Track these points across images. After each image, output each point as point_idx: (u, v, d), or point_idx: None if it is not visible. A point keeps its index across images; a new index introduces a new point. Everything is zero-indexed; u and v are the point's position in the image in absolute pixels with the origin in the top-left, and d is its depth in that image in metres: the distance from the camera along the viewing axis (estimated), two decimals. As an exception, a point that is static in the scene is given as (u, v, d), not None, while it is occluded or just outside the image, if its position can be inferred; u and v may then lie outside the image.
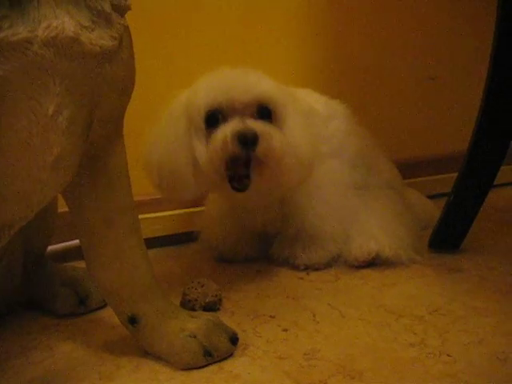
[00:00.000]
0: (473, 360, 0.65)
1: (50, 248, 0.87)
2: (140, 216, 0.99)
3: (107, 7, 0.53)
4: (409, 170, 1.23)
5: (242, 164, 0.78)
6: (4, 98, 0.47)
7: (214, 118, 0.78)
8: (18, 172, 0.53)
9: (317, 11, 1.16)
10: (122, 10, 0.56)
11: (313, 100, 0.96)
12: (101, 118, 0.58)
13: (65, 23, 0.48)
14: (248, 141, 0.75)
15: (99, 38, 0.51)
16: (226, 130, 0.76)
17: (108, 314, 0.77)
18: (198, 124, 0.79)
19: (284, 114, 0.80)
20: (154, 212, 1.04)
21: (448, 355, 0.66)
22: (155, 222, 1.03)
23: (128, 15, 0.57)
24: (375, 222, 0.94)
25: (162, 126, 0.82)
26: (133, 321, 0.67)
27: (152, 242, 1.02)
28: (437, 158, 1.30)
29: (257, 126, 0.77)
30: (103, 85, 0.55)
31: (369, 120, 1.17)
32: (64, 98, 0.51)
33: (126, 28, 0.57)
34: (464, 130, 0.98)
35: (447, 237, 0.97)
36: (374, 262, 0.91)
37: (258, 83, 0.80)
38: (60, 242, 0.93)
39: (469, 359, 0.65)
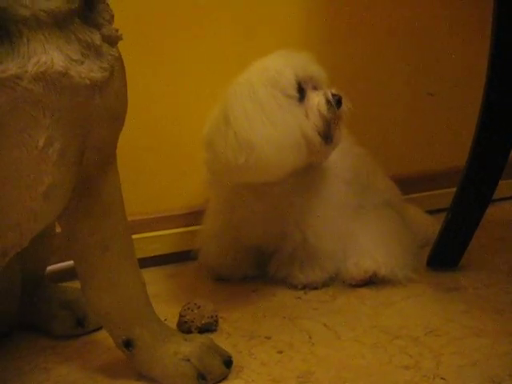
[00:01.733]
0: (467, 383, 0.65)
1: (48, 268, 0.87)
2: (139, 235, 1.03)
3: (97, 39, 0.54)
4: (408, 185, 1.23)
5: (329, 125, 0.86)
6: (-5, 131, 0.48)
7: (302, 90, 0.86)
8: (10, 202, 0.54)
9: (315, 28, 1.17)
10: (113, 41, 0.57)
11: None
12: (93, 145, 0.59)
13: (54, 58, 0.49)
14: (340, 101, 0.87)
15: (89, 71, 0.52)
16: (324, 96, 0.86)
17: (105, 336, 0.77)
18: (291, 95, 0.84)
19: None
20: (153, 231, 1.04)
21: (442, 378, 0.66)
22: (154, 240, 1.04)
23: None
24: (372, 241, 0.94)
25: (247, 109, 0.84)
26: (127, 345, 0.67)
27: (151, 261, 1.03)
28: (437, 173, 1.30)
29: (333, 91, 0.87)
30: (95, 115, 0.56)
31: (368, 135, 1.18)
32: (54, 130, 0.52)
33: (118, 58, 0.58)
34: (464, 145, 0.98)
35: (445, 255, 0.97)
36: (371, 281, 0.91)
37: (314, 63, 0.89)
38: (59, 262, 0.94)
39: (462, 382, 0.65)
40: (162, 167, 1.08)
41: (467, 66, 1.24)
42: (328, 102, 0.85)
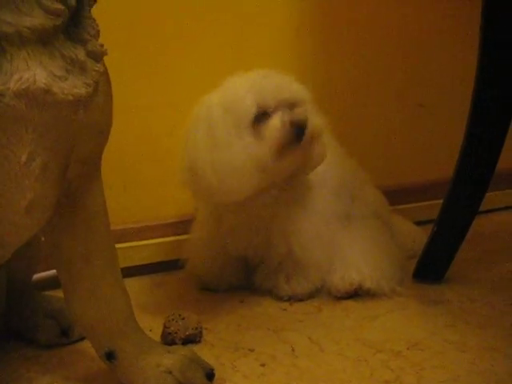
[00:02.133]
0: (446, 399, 0.66)
1: (34, 276, 0.88)
2: (127, 244, 1.04)
3: (81, 55, 0.54)
4: (398, 196, 1.24)
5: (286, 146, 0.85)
6: (-23, 147, 0.49)
7: (261, 116, 0.85)
8: (-7, 215, 0.54)
9: (305, 36, 1.17)
10: (97, 57, 0.57)
11: None
12: (77, 159, 0.59)
13: (36, 75, 0.49)
14: (301, 123, 0.85)
15: (72, 87, 0.52)
16: (280, 120, 0.85)
17: (89, 346, 0.76)
18: (248, 122, 0.84)
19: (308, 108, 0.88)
20: (141, 240, 1.05)
21: (422, 393, 0.67)
22: (142, 249, 1.04)
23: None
24: (358, 253, 0.94)
25: (199, 130, 0.86)
26: (110, 356, 0.67)
27: (139, 270, 1.04)
28: (426, 184, 1.30)
29: (300, 112, 0.86)
30: (78, 130, 0.56)
31: (357, 146, 1.19)
32: (37, 145, 0.52)
33: (103, 73, 0.58)
34: (454, 157, 0.98)
35: (431, 267, 0.97)
36: (357, 293, 0.92)
37: (290, 83, 0.88)
38: (45, 271, 0.94)
39: (443, 398, 0.66)
40: (152, 176, 1.08)
41: (458, 77, 1.25)
42: (284, 124, 0.84)
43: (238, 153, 0.83)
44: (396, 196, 1.24)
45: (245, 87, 0.86)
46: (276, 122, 0.84)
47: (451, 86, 1.28)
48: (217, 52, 1.10)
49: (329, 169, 0.97)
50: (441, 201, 0.99)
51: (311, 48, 1.19)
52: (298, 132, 0.85)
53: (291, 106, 0.87)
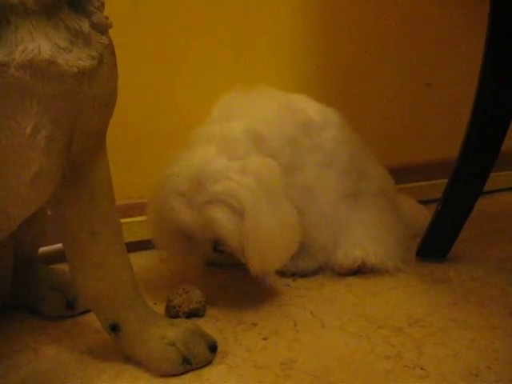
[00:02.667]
0: (446, 374, 0.66)
1: (40, 250, 0.89)
2: (132, 219, 1.04)
3: (86, 27, 0.54)
4: (403, 174, 1.24)
5: None
6: (-18, 118, 0.49)
7: None
8: (-1, 187, 0.54)
9: (313, 17, 1.16)
10: (102, 29, 0.57)
11: (308, 107, 0.96)
12: (82, 133, 0.60)
13: (41, 46, 0.49)
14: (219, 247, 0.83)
15: (77, 59, 0.52)
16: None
17: (94, 318, 0.77)
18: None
19: (249, 209, 0.80)
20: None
21: (422, 369, 0.68)
22: (147, 224, 1.05)
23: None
24: (363, 231, 0.94)
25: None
26: (114, 328, 0.68)
27: (143, 245, 1.04)
28: (433, 163, 1.30)
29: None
30: (83, 102, 0.56)
31: (364, 125, 1.18)
32: (42, 117, 0.52)
33: (107, 45, 0.58)
34: (460, 136, 0.98)
35: (434, 246, 0.98)
36: (360, 270, 0.92)
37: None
38: (50, 244, 0.95)
39: (442, 373, 0.67)
40: (159, 151, 1.08)
41: (465, 56, 1.24)
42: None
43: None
44: (402, 175, 1.24)
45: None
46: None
47: (458, 65, 1.26)
48: (221, 38, 1.10)
49: (337, 148, 0.96)
50: (446, 180, 0.98)
51: (318, 27, 1.18)
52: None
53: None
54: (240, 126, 0.86)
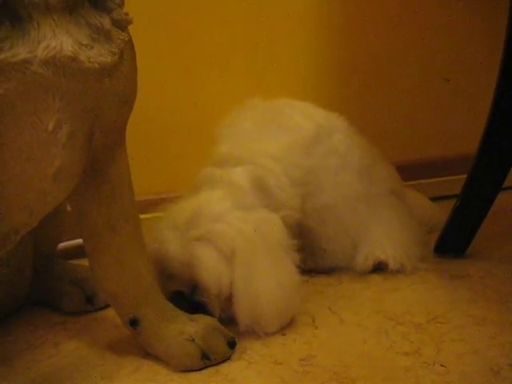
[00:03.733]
0: (466, 371, 0.66)
1: (59, 245, 0.89)
2: (150, 215, 1.04)
3: (107, 24, 0.54)
4: (421, 170, 1.24)
5: None
6: (6, 114, 0.50)
7: None
8: (21, 183, 0.55)
9: (328, 16, 1.16)
10: (122, 25, 0.57)
11: (315, 114, 0.96)
12: (102, 128, 0.60)
13: (63, 43, 0.50)
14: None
15: (98, 55, 0.53)
16: None
17: (113, 313, 0.78)
18: None
19: (240, 256, 0.74)
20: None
21: (442, 365, 0.67)
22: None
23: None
24: (381, 232, 0.94)
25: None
26: (134, 323, 0.69)
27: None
28: (451, 159, 1.29)
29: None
30: (104, 98, 0.57)
31: (381, 121, 1.18)
32: (64, 113, 0.53)
33: (128, 41, 0.58)
34: (479, 131, 0.97)
35: (453, 242, 0.97)
36: (379, 268, 0.92)
37: None
38: (70, 240, 0.96)
39: (462, 370, 0.66)
40: (177, 148, 1.09)
41: (484, 51, 1.23)
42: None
43: None
44: (419, 171, 1.24)
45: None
46: None
47: (477, 60, 1.25)
48: (237, 28, 1.10)
49: (349, 150, 0.96)
50: (465, 176, 0.98)
51: (336, 23, 1.18)
52: None
53: None
54: (246, 174, 0.82)
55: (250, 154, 0.85)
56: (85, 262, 0.89)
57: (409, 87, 1.24)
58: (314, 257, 0.92)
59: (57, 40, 0.49)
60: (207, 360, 0.68)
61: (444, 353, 0.70)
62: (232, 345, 0.70)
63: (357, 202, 0.94)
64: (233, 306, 0.73)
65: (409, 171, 1.10)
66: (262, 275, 0.74)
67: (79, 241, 0.97)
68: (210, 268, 0.73)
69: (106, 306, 0.82)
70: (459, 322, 0.76)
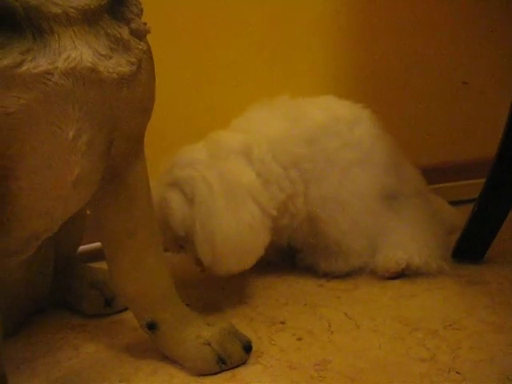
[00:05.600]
0: (481, 379, 0.66)
1: (80, 248, 0.91)
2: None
3: (125, 34, 0.55)
4: (440, 174, 1.23)
5: None
6: (28, 124, 0.51)
7: None
8: (42, 190, 0.56)
9: (345, 18, 1.16)
10: (141, 35, 0.58)
11: (335, 106, 0.96)
12: (121, 136, 0.61)
13: (83, 54, 0.51)
14: None
15: (117, 65, 0.54)
16: None
17: (131, 316, 0.80)
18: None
19: (200, 199, 0.80)
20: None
21: (457, 372, 0.67)
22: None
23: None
24: (406, 233, 0.93)
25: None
26: (151, 327, 0.70)
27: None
28: (469, 163, 1.28)
29: None
30: (122, 107, 0.58)
31: (399, 124, 1.18)
32: (83, 122, 0.54)
33: (146, 51, 0.59)
34: (497, 135, 0.96)
35: (471, 247, 0.96)
36: (404, 273, 0.91)
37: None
38: (90, 243, 0.97)
39: (477, 378, 0.66)
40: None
41: (503, 54, 1.21)
42: None
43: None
44: (437, 175, 1.23)
45: None
46: None
47: (496, 64, 1.24)
48: (253, 32, 1.11)
49: (376, 142, 0.95)
50: (483, 180, 0.97)
51: (353, 26, 1.18)
52: None
53: None
54: (235, 137, 0.88)
55: (247, 129, 0.90)
56: (104, 265, 0.90)
57: (427, 91, 1.24)
58: (329, 259, 0.92)
59: (77, 51, 0.51)
60: (223, 364, 0.68)
61: (460, 360, 0.69)
62: (248, 349, 0.71)
63: (375, 200, 0.93)
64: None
65: (427, 175, 1.10)
66: (219, 217, 0.78)
67: (99, 244, 0.99)
68: (175, 211, 0.80)
69: (125, 309, 0.83)
70: (476, 329, 0.76)
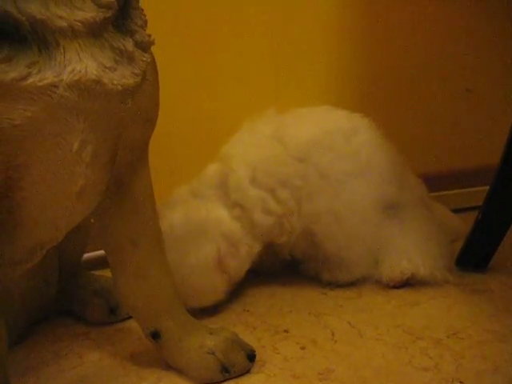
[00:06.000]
0: (485, 389, 0.66)
1: (84, 256, 0.91)
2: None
3: (130, 46, 0.56)
4: (444, 182, 1.23)
5: None
6: (33, 136, 0.51)
7: None
8: (47, 200, 0.57)
9: (349, 25, 1.17)
10: (145, 47, 0.59)
11: (333, 116, 0.96)
12: (126, 147, 0.62)
13: (88, 66, 0.51)
14: None
15: (121, 77, 0.54)
16: None
17: (135, 324, 0.80)
18: None
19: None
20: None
21: (461, 382, 0.67)
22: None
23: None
24: (407, 242, 0.93)
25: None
26: (155, 336, 0.70)
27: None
28: (472, 171, 1.28)
29: None
30: (127, 118, 0.58)
31: (402, 131, 1.18)
32: (88, 134, 0.54)
33: (150, 62, 0.60)
34: (501, 143, 0.96)
35: (474, 255, 0.96)
36: (409, 283, 0.91)
37: None
38: (95, 250, 0.98)
39: (481, 387, 0.66)
40: (199, 160, 1.10)
41: (506, 61, 1.22)
42: None
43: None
44: (440, 182, 1.23)
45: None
46: None
47: (499, 71, 1.24)
48: (257, 40, 1.11)
49: (374, 153, 0.95)
50: (487, 187, 0.97)
51: (356, 33, 1.18)
52: None
53: None
54: (214, 169, 0.92)
55: (231, 155, 0.93)
56: (108, 273, 0.91)
57: (430, 98, 1.24)
58: (332, 269, 0.92)
59: (82, 64, 0.51)
60: (227, 373, 0.69)
61: (463, 369, 0.69)
62: (251, 358, 0.71)
63: (373, 212, 0.93)
64: None
65: (430, 182, 1.10)
66: (180, 259, 0.82)
67: (103, 252, 1.00)
68: None
69: (129, 317, 0.84)
70: (480, 338, 0.76)
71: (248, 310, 0.86)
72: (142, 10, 0.61)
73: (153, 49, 0.62)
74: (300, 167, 0.90)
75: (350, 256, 0.91)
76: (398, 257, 0.91)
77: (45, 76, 0.49)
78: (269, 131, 0.94)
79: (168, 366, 0.72)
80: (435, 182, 1.14)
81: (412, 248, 0.92)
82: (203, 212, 0.86)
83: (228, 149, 0.94)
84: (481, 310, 0.83)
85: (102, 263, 0.98)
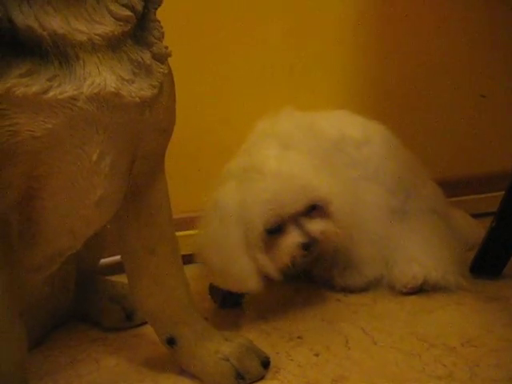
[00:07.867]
0: (499, 397, 0.66)
1: (101, 261, 0.93)
2: (187, 232, 1.07)
3: (147, 59, 0.57)
4: (458, 188, 1.23)
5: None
6: (53, 147, 0.53)
7: (273, 229, 0.82)
8: (66, 210, 0.58)
9: (364, 30, 1.17)
10: (162, 58, 0.60)
11: (347, 123, 0.97)
12: (142, 156, 0.63)
13: (107, 79, 0.52)
14: (310, 247, 0.82)
15: (139, 89, 0.55)
16: (291, 242, 0.81)
17: (151, 330, 0.81)
18: (257, 239, 0.81)
19: (330, 206, 0.83)
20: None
21: (475, 391, 0.67)
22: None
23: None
24: (419, 247, 0.93)
25: (213, 229, 0.84)
26: (171, 342, 0.71)
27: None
28: (487, 176, 1.28)
29: (314, 228, 0.82)
30: (144, 129, 0.59)
31: (416, 137, 1.18)
32: (106, 145, 0.55)
33: (167, 74, 0.61)
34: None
35: (488, 262, 0.96)
36: (423, 288, 0.91)
37: (308, 186, 0.82)
38: (111, 256, 0.99)
39: (495, 396, 0.66)
40: (213, 165, 1.11)
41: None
42: (302, 247, 0.81)
43: (245, 265, 0.81)
44: (456, 188, 1.23)
45: (254, 199, 0.81)
46: (286, 244, 0.81)
47: (515, 77, 1.24)
48: (272, 46, 1.12)
49: (382, 164, 0.96)
50: (502, 193, 0.97)
51: (370, 37, 1.18)
52: (308, 246, 0.82)
53: (309, 211, 0.82)
54: (232, 197, 0.86)
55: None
56: (124, 279, 0.91)
57: (445, 104, 1.24)
58: (343, 274, 0.92)
59: (101, 77, 0.52)
60: (241, 379, 0.69)
61: (478, 378, 0.69)
62: (266, 365, 0.72)
63: (384, 215, 0.94)
64: None
65: (446, 188, 1.10)
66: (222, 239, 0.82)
67: (119, 257, 1.01)
68: None
69: (145, 323, 0.84)
70: (494, 346, 0.76)
71: (262, 317, 0.86)
72: (159, 21, 0.62)
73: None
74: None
75: (360, 252, 0.92)
76: (409, 261, 0.92)
77: (65, 89, 0.50)
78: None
79: (183, 372, 0.72)
80: (451, 188, 1.14)
81: (422, 252, 0.93)
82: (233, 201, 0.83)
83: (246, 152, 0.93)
84: (495, 318, 0.83)
85: (118, 269, 0.99)
